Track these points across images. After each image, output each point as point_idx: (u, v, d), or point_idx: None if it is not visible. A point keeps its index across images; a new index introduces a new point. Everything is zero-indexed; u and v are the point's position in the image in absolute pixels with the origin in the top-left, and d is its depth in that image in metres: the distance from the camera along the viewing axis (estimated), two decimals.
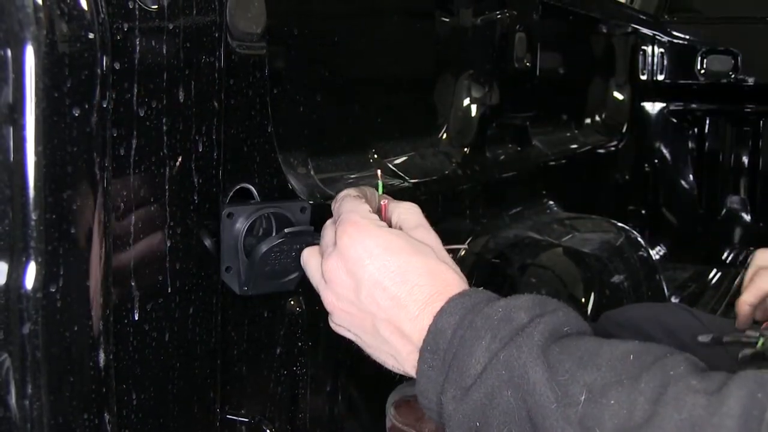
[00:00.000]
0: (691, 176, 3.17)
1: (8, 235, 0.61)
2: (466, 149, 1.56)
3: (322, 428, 1.08)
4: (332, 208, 0.82)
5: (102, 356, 0.68)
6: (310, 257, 0.82)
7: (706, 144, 3.14)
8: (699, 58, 2.99)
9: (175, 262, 0.77)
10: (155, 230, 0.75)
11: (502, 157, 1.78)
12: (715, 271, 2.98)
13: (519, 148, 1.90)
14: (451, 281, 0.73)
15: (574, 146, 2.36)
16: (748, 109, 3.06)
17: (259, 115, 0.87)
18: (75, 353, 0.65)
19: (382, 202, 0.83)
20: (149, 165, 0.73)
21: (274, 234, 0.86)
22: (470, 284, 0.75)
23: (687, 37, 3.04)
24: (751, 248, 3.14)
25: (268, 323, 0.95)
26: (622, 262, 1.78)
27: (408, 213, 0.81)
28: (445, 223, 1.48)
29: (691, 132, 3.15)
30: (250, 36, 0.82)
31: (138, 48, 0.69)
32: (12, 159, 0.60)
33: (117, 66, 0.68)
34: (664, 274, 2.08)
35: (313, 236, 0.85)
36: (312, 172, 1.10)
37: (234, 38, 0.81)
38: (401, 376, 0.76)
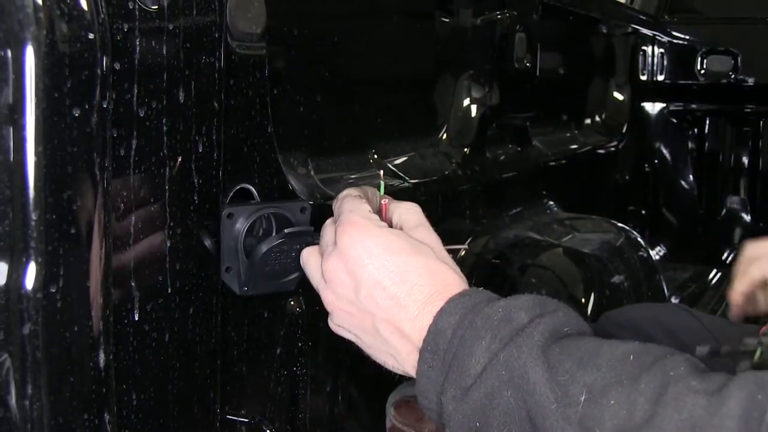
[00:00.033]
0: (691, 176, 3.17)
1: (8, 235, 0.61)
2: (466, 149, 1.56)
3: (322, 428, 1.08)
4: (333, 207, 0.82)
5: (102, 356, 0.68)
6: (309, 257, 0.82)
7: (706, 144, 3.14)
8: (699, 59, 2.99)
9: (175, 262, 0.77)
10: (155, 230, 0.75)
11: (502, 158, 1.78)
12: (715, 271, 2.98)
13: (519, 149, 1.90)
14: (451, 281, 0.73)
15: (574, 146, 2.36)
16: (748, 110, 3.06)
17: (259, 116, 0.87)
18: (75, 353, 0.65)
19: (382, 202, 0.83)
20: (149, 165, 0.73)
21: (274, 234, 0.87)
22: (470, 284, 0.75)
23: (687, 37, 3.04)
24: None
25: (268, 323, 0.95)
26: (622, 263, 1.78)
27: (408, 213, 0.81)
28: (446, 223, 1.48)
29: (691, 132, 3.15)
30: (250, 36, 0.82)
31: (138, 48, 0.69)
32: (12, 159, 0.60)
33: (117, 66, 0.68)
34: (664, 274, 2.08)
35: (313, 236, 0.85)
36: (312, 173, 1.11)
37: (234, 38, 0.81)
38: (401, 376, 0.76)
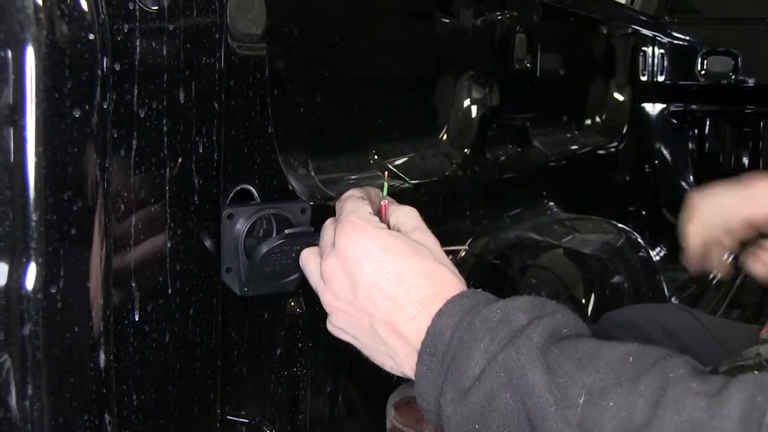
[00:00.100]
0: (691, 177, 3.17)
1: (9, 236, 0.61)
2: (466, 150, 1.56)
3: (323, 429, 1.08)
4: (336, 207, 0.83)
5: (102, 357, 0.68)
6: (309, 257, 0.82)
7: (707, 145, 3.14)
8: (699, 59, 2.99)
9: (176, 263, 0.78)
10: (156, 231, 0.75)
11: (502, 158, 1.78)
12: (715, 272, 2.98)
13: (519, 149, 1.90)
14: (449, 282, 0.73)
15: (575, 147, 2.36)
16: (749, 110, 3.06)
17: (259, 116, 0.87)
18: (75, 354, 0.65)
19: (382, 203, 0.83)
20: (150, 166, 0.73)
21: (274, 235, 0.87)
22: (470, 285, 0.75)
23: (687, 38, 3.04)
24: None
25: (268, 324, 0.95)
26: (623, 263, 1.78)
27: (406, 216, 0.81)
28: (446, 224, 1.48)
29: (691, 133, 3.15)
30: (250, 37, 0.82)
31: (138, 49, 0.69)
32: (12, 160, 0.60)
33: (117, 67, 0.68)
34: (665, 274, 2.08)
35: (313, 237, 0.85)
36: (312, 173, 1.11)
37: (234, 39, 0.81)
38: (401, 377, 0.76)
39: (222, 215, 0.82)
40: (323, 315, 0.80)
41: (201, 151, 0.78)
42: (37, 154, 0.60)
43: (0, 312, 0.62)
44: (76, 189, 0.63)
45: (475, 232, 1.60)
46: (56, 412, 0.64)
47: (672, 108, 3.10)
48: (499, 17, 1.61)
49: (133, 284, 0.73)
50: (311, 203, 0.92)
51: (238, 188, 0.86)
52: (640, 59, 2.89)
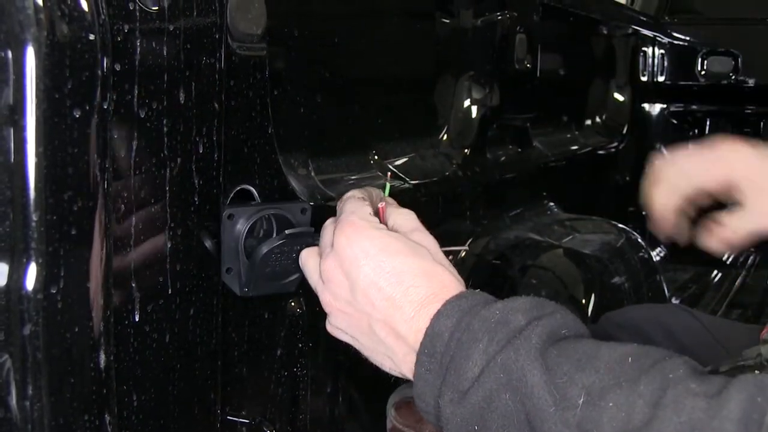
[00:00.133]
0: None
1: (9, 236, 0.61)
2: (466, 150, 1.56)
3: (323, 429, 1.08)
4: (337, 208, 0.83)
5: (103, 357, 0.68)
6: (308, 258, 0.82)
7: None
8: (699, 60, 2.99)
9: (176, 263, 0.78)
10: (156, 231, 0.75)
11: (502, 159, 1.78)
12: (715, 272, 2.98)
13: (519, 150, 1.90)
14: (448, 283, 0.73)
15: (575, 147, 2.36)
16: (749, 111, 3.06)
17: (259, 117, 0.87)
18: (76, 354, 0.65)
19: (379, 206, 0.83)
20: (150, 166, 0.73)
21: (274, 235, 0.87)
22: (470, 286, 0.75)
23: (687, 38, 3.04)
24: (752, 249, 3.15)
25: (268, 324, 0.95)
26: (623, 264, 1.78)
27: (404, 218, 0.81)
28: (446, 224, 1.48)
29: (691, 133, 3.15)
30: (250, 37, 0.82)
31: (139, 49, 0.69)
32: (13, 160, 0.60)
33: (117, 67, 0.68)
34: (665, 275, 2.08)
35: (313, 237, 0.85)
36: (312, 174, 1.11)
37: (234, 39, 0.81)
38: (400, 377, 0.76)
39: (222, 215, 0.82)
40: (323, 315, 0.80)
41: (201, 152, 0.78)
42: (37, 155, 0.60)
43: (0, 312, 0.62)
44: (77, 189, 0.63)
45: (475, 233, 1.60)
46: (56, 413, 0.64)
47: (672, 108, 3.10)
48: (499, 17, 1.61)
49: (134, 284, 0.73)
50: (311, 203, 0.92)
51: (239, 188, 0.86)
52: (641, 59, 2.89)
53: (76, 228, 0.63)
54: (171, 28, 0.72)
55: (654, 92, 3.02)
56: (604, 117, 2.67)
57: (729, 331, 1.19)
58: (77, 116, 0.62)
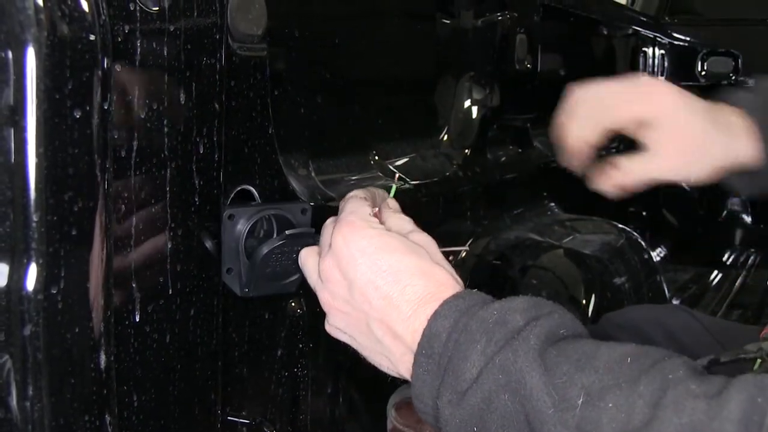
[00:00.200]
0: None
1: (9, 236, 0.61)
2: (467, 151, 1.56)
3: (323, 429, 1.08)
4: (339, 206, 0.83)
5: (103, 358, 0.68)
6: (308, 257, 0.82)
7: None
8: (699, 60, 2.99)
9: (176, 263, 0.78)
10: (156, 232, 0.75)
11: (503, 159, 1.78)
12: (715, 272, 2.98)
13: (520, 150, 1.90)
14: (445, 282, 0.73)
15: None
16: None
17: (259, 117, 0.87)
18: (76, 355, 0.65)
19: (374, 210, 0.83)
20: (150, 167, 0.73)
21: (275, 236, 0.87)
22: (471, 286, 0.75)
23: (687, 38, 3.04)
24: (752, 250, 3.15)
25: (269, 325, 0.95)
26: (623, 264, 1.78)
27: (401, 221, 0.81)
28: (446, 224, 1.48)
29: None
30: (251, 38, 0.83)
31: (139, 50, 0.69)
32: (13, 160, 0.60)
33: (118, 68, 0.68)
34: (665, 275, 2.08)
35: (313, 238, 0.85)
36: (313, 174, 1.11)
37: (235, 40, 0.81)
38: (398, 377, 0.76)
39: (223, 216, 0.82)
40: (324, 315, 0.80)
41: (201, 152, 0.78)
42: (37, 155, 0.60)
43: (0, 313, 0.62)
44: (77, 190, 0.63)
45: (475, 233, 1.60)
46: (57, 413, 0.64)
47: None
48: (500, 18, 1.61)
49: (134, 285, 0.73)
50: (312, 204, 0.92)
51: (239, 189, 0.86)
52: (641, 60, 2.89)
53: (76, 228, 0.63)
54: (171, 28, 0.72)
55: None
56: None
57: (729, 331, 1.19)
58: (78, 116, 0.62)
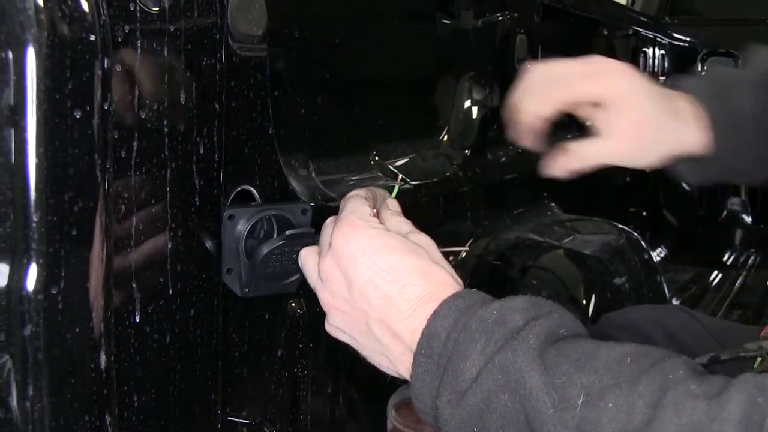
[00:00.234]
0: None
1: (9, 236, 0.61)
2: (467, 151, 1.56)
3: (323, 430, 1.08)
4: (340, 205, 0.83)
5: (103, 358, 0.68)
6: (308, 257, 0.82)
7: None
8: (700, 60, 2.99)
9: (177, 263, 0.78)
10: (156, 232, 0.75)
11: (503, 159, 1.78)
12: (716, 273, 2.98)
13: (520, 150, 1.90)
14: (444, 282, 0.73)
15: None
16: None
17: (260, 117, 0.87)
18: (76, 355, 0.65)
19: (373, 210, 0.83)
20: (150, 167, 0.73)
21: (275, 236, 0.87)
22: (471, 286, 0.75)
23: (688, 39, 3.04)
24: (752, 250, 3.15)
25: (269, 325, 0.95)
26: (623, 264, 1.78)
27: (400, 223, 0.81)
28: (447, 225, 1.48)
29: None
30: (251, 38, 0.83)
31: (139, 50, 0.69)
32: (13, 161, 0.60)
33: (118, 68, 0.68)
34: (665, 275, 2.08)
35: (313, 238, 0.85)
36: (313, 174, 1.11)
37: (235, 40, 0.81)
38: (398, 377, 0.76)
39: (223, 216, 0.82)
40: (324, 316, 0.80)
41: (202, 152, 0.78)
42: (38, 155, 0.60)
43: (1, 313, 0.62)
44: (77, 190, 0.63)
45: (475, 233, 1.60)
46: (57, 413, 0.64)
47: None
48: (500, 18, 1.61)
49: (134, 285, 0.73)
50: (312, 204, 0.92)
51: (239, 189, 0.86)
52: (641, 60, 2.89)
53: (76, 228, 0.63)
54: (172, 28, 0.72)
55: None
56: None
57: (729, 332, 1.19)
58: (78, 117, 0.62)
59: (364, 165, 1.27)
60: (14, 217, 0.61)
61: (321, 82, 1.14)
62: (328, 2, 1.17)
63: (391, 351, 0.73)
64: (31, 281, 0.61)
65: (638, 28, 2.81)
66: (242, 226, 0.84)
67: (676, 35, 3.05)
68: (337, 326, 0.79)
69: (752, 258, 3.11)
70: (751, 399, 0.54)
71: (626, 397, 0.58)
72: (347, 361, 1.08)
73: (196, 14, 0.75)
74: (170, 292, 0.77)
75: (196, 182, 0.78)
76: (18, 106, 0.59)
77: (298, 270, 0.85)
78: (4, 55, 0.59)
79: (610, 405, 0.58)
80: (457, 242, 1.53)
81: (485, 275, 1.56)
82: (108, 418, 0.69)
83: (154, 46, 0.71)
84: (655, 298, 1.87)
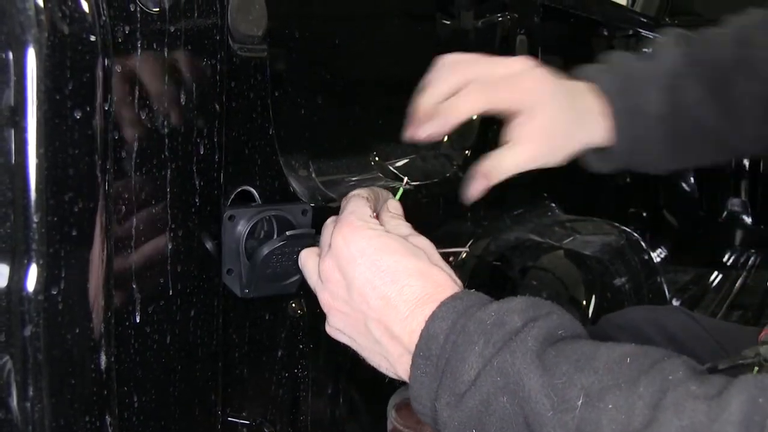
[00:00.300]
0: (692, 178, 3.17)
1: (10, 237, 0.61)
2: (467, 152, 1.56)
3: (323, 430, 1.08)
4: (341, 205, 0.83)
5: (103, 358, 0.68)
6: (308, 258, 0.82)
7: None
8: None
9: (177, 264, 0.78)
10: (157, 233, 0.75)
11: None
12: (716, 273, 2.98)
13: None
14: (443, 283, 0.73)
15: None
16: None
17: (260, 118, 0.87)
18: (76, 355, 0.65)
19: (373, 212, 0.82)
20: (150, 167, 0.73)
21: (275, 237, 0.87)
22: (471, 287, 0.74)
23: None
24: (753, 251, 3.15)
25: (269, 325, 0.95)
26: (624, 265, 1.78)
27: (399, 226, 0.81)
28: (447, 225, 1.48)
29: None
30: (251, 38, 0.83)
31: (139, 50, 0.69)
32: (14, 161, 0.60)
33: (118, 68, 0.68)
34: (665, 276, 2.07)
35: (314, 239, 0.85)
36: (313, 175, 1.11)
37: (235, 41, 0.81)
38: (396, 378, 0.76)
39: (223, 217, 0.82)
40: (324, 316, 0.80)
41: (202, 153, 0.78)
42: (38, 156, 0.60)
43: (1, 313, 0.62)
44: (77, 190, 0.63)
45: (475, 234, 1.60)
46: (57, 414, 0.64)
47: None
48: (500, 19, 1.61)
49: (134, 286, 0.73)
50: (312, 205, 0.92)
51: (239, 190, 0.86)
52: None
53: (77, 229, 0.63)
54: (172, 29, 0.72)
55: None
56: None
57: (729, 333, 1.19)
58: (78, 117, 0.62)
59: (365, 165, 1.27)
60: (14, 217, 0.61)
61: (321, 83, 1.14)
62: (328, 3, 1.17)
63: (390, 352, 0.73)
64: (31, 282, 0.61)
65: (638, 29, 2.81)
66: (242, 227, 0.84)
67: None
68: (337, 327, 0.79)
69: (752, 259, 3.11)
70: (751, 399, 0.54)
71: (626, 398, 0.58)
72: (347, 361, 1.08)
73: (196, 15, 0.75)
74: (170, 293, 0.77)
75: (197, 183, 0.78)
76: (18, 106, 0.59)
77: (298, 271, 0.85)
78: (4, 55, 0.59)
79: (610, 406, 0.58)
80: (457, 243, 1.53)
81: (485, 276, 1.56)
82: (108, 419, 0.69)
83: (155, 46, 0.71)
84: (655, 299, 1.87)
